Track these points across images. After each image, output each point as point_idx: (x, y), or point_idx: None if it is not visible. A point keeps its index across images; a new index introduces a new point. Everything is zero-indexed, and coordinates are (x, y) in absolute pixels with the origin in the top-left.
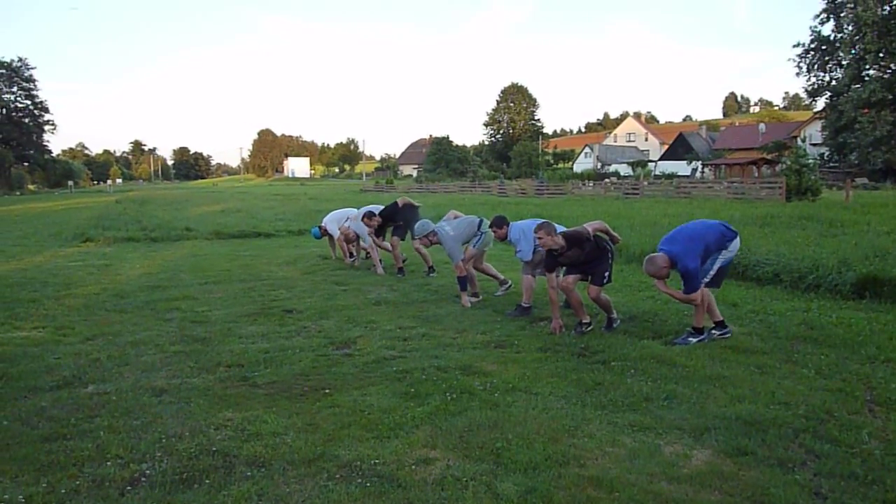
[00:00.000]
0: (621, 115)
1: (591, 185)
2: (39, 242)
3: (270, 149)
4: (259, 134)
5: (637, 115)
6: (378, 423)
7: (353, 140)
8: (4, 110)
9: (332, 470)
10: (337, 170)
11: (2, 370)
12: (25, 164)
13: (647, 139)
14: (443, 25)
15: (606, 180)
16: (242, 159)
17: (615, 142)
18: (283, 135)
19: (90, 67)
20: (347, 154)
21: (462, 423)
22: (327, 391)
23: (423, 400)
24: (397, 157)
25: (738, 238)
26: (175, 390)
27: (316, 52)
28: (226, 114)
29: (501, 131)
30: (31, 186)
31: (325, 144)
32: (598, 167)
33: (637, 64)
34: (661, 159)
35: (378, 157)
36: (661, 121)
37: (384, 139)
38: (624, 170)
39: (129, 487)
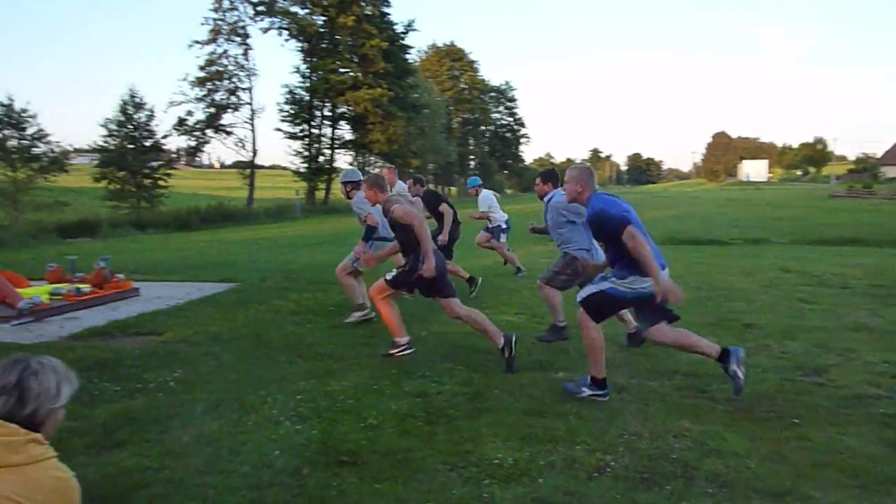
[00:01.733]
0: None
1: None
2: (531, 238)
3: (724, 152)
4: (713, 137)
5: None
6: (862, 470)
7: (820, 139)
8: (493, 127)
9: None
10: (799, 172)
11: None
12: (505, 171)
13: None
14: None
15: None
16: (694, 164)
17: None
18: (738, 137)
19: (556, 85)
20: (813, 155)
21: None
22: (796, 421)
23: None
24: (879, 156)
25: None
26: (634, 389)
27: (774, 51)
28: (679, 119)
29: None
30: (507, 191)
31: (787, 145)
32: None
33: None
34: None
35: (852, 158)
36: None
37: (861, 137)
38: None
39: (595, 474)
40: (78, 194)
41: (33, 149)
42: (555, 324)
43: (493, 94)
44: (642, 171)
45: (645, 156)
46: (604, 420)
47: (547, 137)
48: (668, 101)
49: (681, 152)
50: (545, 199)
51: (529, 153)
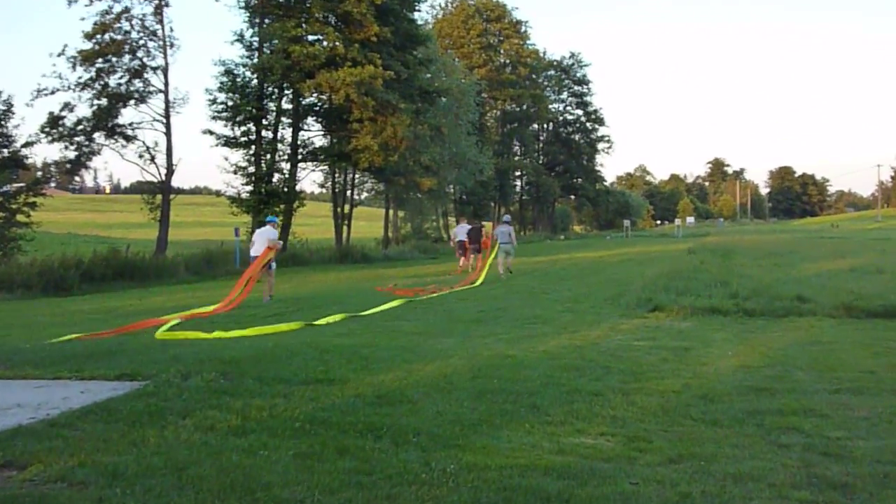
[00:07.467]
0: None
1: None
2: (595, 309)
3: None
4: None
5: None
6: None
7: None
8: (550, 125)
9: None
10: None
11: (567, 490)
12: (572, 196)
13: None
14: None
15: None
16: (880, 185)
17: None
18: None
19: (655, 66)
20: None
21: None
22: None
23: None
24: None
25: None
26: None
27: None
28: (856, 117)
29: None
30: (576, 227)
31: None
32: None
33: None
34: None
35: None
36: None
37: None
38: None
39: None
40: None
41: None
42: None
43: (551, 72)
44: (795, 196)
45: (798, 172)
46: None
47: (641, 144)
48: (838, 90)
49: (858, 168)
50: None
51: (612, 167)
